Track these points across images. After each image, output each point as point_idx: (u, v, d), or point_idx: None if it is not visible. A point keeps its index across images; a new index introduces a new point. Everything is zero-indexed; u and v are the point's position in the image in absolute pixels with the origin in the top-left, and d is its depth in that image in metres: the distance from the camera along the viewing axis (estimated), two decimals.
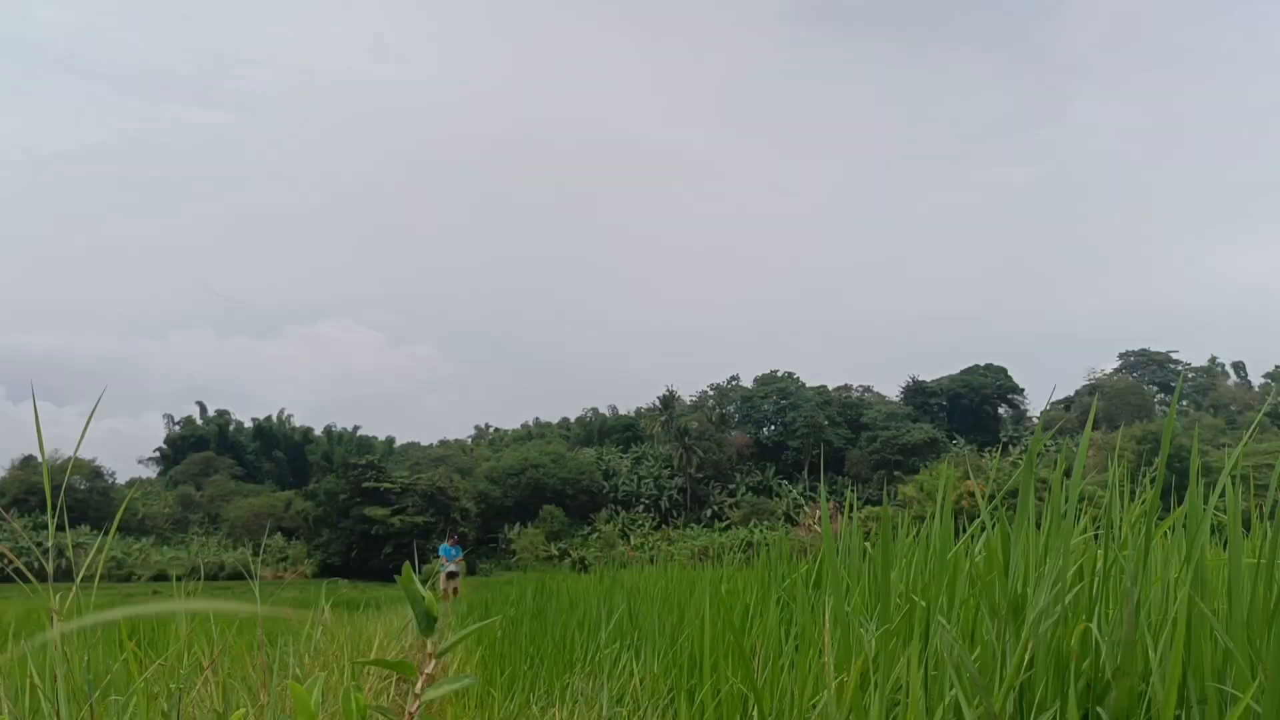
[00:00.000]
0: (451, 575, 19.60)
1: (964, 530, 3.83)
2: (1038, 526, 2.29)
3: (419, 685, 1.24)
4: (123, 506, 2.08)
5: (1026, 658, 1.68)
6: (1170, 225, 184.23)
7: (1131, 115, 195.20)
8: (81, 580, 1.77)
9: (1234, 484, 2.30)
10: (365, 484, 75.83)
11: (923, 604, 2.02)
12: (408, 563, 1.36)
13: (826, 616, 1.98)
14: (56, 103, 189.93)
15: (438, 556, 20.60)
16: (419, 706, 1.24)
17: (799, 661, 2.52)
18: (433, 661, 1.27)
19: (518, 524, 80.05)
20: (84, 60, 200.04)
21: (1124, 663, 1.43)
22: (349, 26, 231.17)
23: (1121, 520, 2.25)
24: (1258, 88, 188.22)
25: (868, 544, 4.38)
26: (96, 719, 1.68)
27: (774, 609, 4.16)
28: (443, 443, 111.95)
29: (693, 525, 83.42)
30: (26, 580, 1.89)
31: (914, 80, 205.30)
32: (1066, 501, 2.36)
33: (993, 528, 2.74)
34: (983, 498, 2.72)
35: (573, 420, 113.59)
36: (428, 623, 1.27)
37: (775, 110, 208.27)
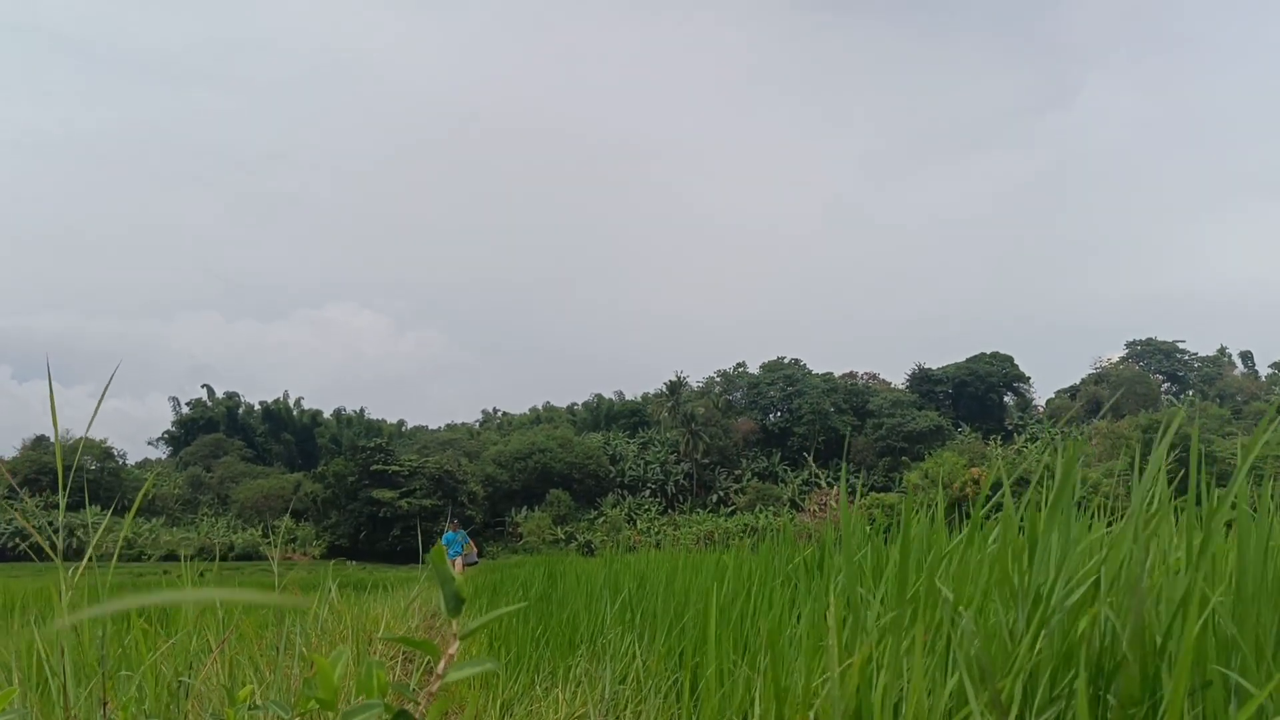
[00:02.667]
0: (471, 564, 19.76)
1: (965, 518, 3.82)
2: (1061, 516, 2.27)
3: (441, 666, 1.24)
4: (142, 492, 2.09)
5: (1038, 646, 1.68)
6: (1178, 213, 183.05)
7: (1140, 103, 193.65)
8: (97, 560, 1.79)
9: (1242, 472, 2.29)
10: (373, 467, 76.17)
11: (946, 592, 2.03)
12: (440, 543, 1.35)
13: (831, 599, 1.99)
14: (66, 87, 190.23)
15: (443, 544, 20.59)
16: (439, 687, 1.24)
17: (804, 643, 2.53)
18: (456, 643, 1.27)
19: (525, 508, 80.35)
20: (94, 45, 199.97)
21: (1130, 648, 1.43)
22: (360, 13, 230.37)
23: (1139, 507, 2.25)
24: (1267, 75, 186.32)
25: (870, 528, 4.37)
26: (107, 695, 1.70)
27: (780, 591, 4.17)
28: (450, 426, 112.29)
29: (698, 510, 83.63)
30: (37, 559, 1.91)
31: (921, 68, 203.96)
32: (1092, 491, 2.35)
33: (1018, 514, 2.73)
34: (1007, 481, 2.71)
35: (580, 405, 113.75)
36: (455, 604, 1.26)
37: (784, 99, 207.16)
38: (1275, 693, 1.54)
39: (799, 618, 3.55)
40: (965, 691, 1.56)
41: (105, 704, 1.64)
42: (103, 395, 1.79)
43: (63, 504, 1.98)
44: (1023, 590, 1.75)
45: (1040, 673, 1.61)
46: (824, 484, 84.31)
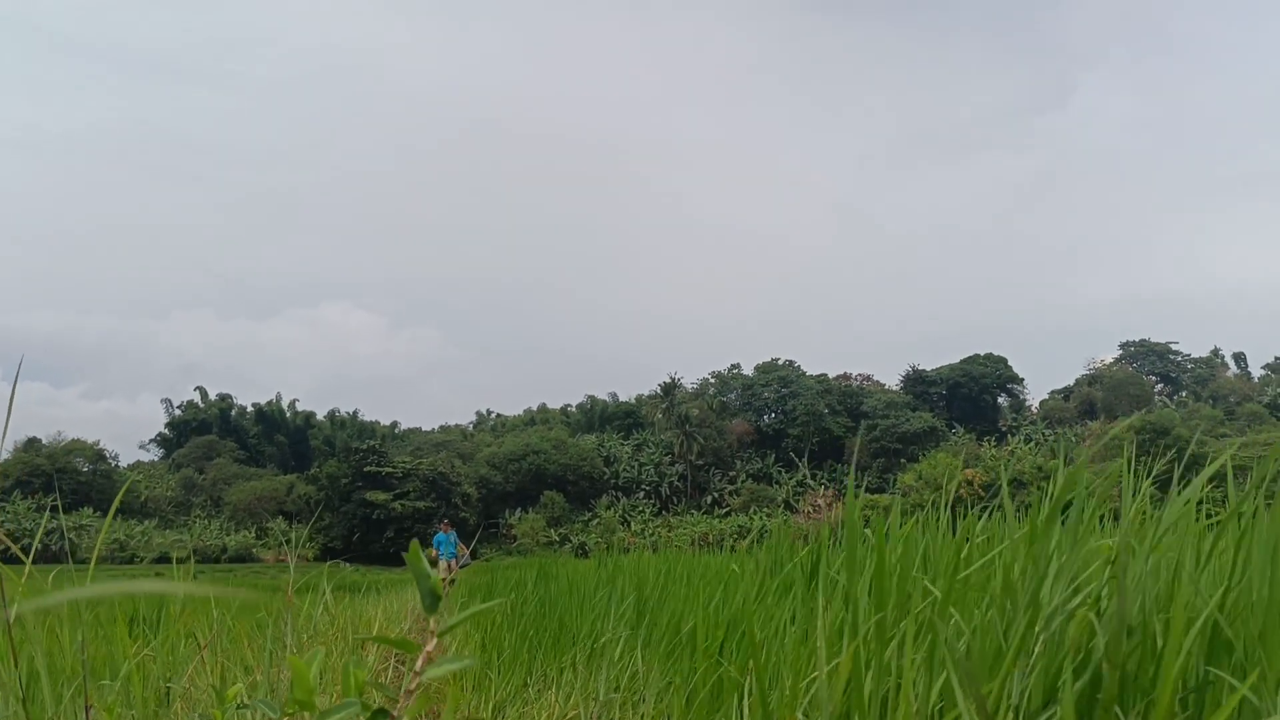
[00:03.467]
0: (463, 566, 19.54)
1: (960, 519, 3.82)
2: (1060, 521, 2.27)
3: (419, 664, 1.24)
4: (122, 490, 2.06)
5: (1036, 649, 1.68)
6: (1173, 214, 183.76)
7: (1134, 103, 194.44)
8: (76, 562, 1.77)
9: (1233, 474, 2.29)
10: (367, 468, 76.00)
11: (932, 590, 2.02)
12: (416, 540, 1.35)
13: (821, 601, 1.99)
14: (60, 83, 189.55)
15: (431, 547, 20.40)
16: (418, 685, 1.24)
17: (795, 645, 2.53)
18: (434, 640, 1.26)
19: (519, 509, 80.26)
20: (88, 41, 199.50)
21: (1111, 651, 1.42)
22: (355, 14, 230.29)
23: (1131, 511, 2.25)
24: (1260, 77, 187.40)
25: (868, 530, 4.37)
26: (90, 698, 1.68)
27: (774, 594, 4.16)
28: (444, 428, 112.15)
29: (693, 512, 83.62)
30: (20, 561, 1.89)
31: (917, 69, 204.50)
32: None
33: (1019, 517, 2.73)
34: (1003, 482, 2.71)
35: (574, 407, 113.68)
36: (432, 601, 1.26)
37: (779, 99, 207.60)
38: (1259, 690, 1.54)
39: (794, 620, 3.55)
40: (955, 693, 1.56)
41: (89, 708, 1.62)
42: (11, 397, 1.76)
43: (23, 501, 1.96)
44: (1015, 592, 1.75)
45: (1033, 676, 1.61)
46: (819, 483, 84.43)
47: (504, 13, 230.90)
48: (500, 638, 5.57)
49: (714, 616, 3.45)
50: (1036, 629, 1.64)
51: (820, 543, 4.54)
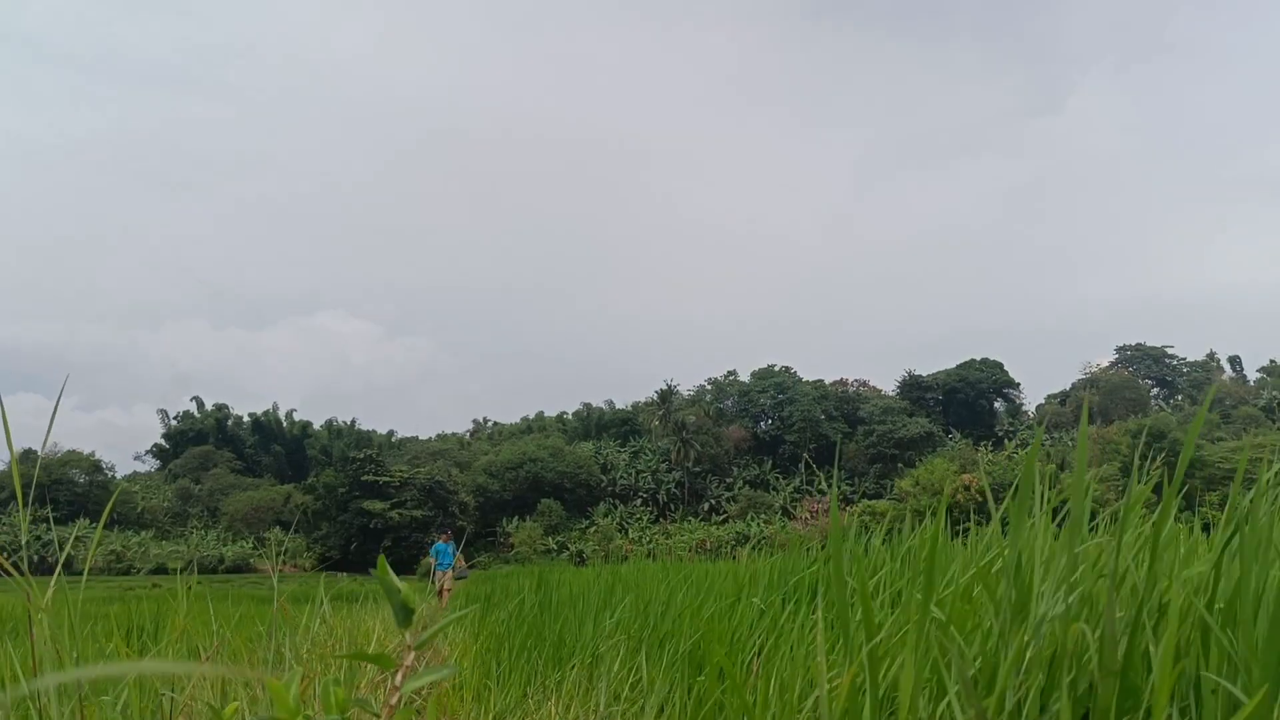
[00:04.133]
0: (459, 576, 19.28)
1: (959, 524, 3.83)
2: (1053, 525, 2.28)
3: (399, 677, 1.26)
4: (113, 499, 2.06)
5: (1027, 657, 1.68)
6: (1168, 218, 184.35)
7: (1130, 107, 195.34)
8: (71, 573, 1.77)
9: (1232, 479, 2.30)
10: (364, 478, 75.86)
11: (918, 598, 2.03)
12: (383, 555, 1.36)
13: (818, 615, 1.99)
14: (53, 94, 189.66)
15: (429, 556, 20.27)
16: (400, 699, 1.25)
17: (793, 660, 2.53)
18: (411, 653, 1.29)
19: (516, 517, 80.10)
20: (81, 52, 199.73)
21: (1105, 661, 1.43)
22: (347, 20, 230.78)
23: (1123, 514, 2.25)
24: (1256, 80, 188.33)
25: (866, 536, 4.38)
26: (86, 713, 1.68)
27: (780, 607, 4.16)
28: (441, 436, 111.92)
29: (690, 519, 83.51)
30: (15, 574, 1.89)
31: (913, 73, 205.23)
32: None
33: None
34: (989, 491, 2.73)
35: (570, 415, 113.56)
36: (405, 615, 1.28)
37: (774, 104, 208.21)
38: (1265, 701, 1.54)
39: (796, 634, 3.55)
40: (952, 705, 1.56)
41: None
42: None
43: (23, 516, 1.96)
44: (1005, 602, 1.75)
45: (1030, 683, 1.61)
46: (819, 489, 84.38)
47: (498, 18, 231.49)
48: (500, 648, 5.56)
49: (718, 631, 3.44)
50: (1025, 638, 1.64)
51: (828, 552, 4.55)
